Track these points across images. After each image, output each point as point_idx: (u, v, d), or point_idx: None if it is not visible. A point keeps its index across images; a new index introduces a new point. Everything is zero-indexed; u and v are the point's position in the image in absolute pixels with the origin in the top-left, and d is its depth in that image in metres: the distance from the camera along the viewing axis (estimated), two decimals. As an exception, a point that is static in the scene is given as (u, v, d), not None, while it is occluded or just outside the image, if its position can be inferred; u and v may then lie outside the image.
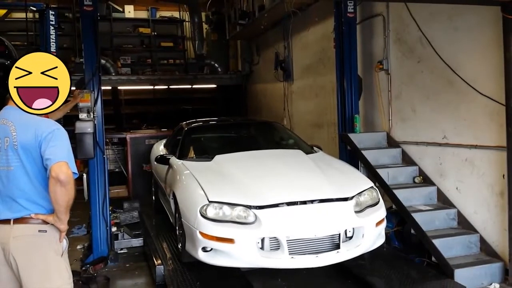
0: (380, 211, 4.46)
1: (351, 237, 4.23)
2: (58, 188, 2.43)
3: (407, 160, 6.16)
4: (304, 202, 4.21)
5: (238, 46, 13.48)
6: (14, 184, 2.52)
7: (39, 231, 2.53)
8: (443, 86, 5.56)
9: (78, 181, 5.20)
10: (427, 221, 5.18)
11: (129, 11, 13.94)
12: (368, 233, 4.24)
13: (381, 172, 5.71)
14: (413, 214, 5.13)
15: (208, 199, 4.18)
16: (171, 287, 4.25)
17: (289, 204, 4.17)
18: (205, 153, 5.59)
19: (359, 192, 4.44)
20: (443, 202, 5.55)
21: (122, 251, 5.96)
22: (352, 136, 6.32)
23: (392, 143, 6.42)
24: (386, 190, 5.47)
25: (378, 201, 4.55)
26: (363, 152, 6.00)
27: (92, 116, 5.36)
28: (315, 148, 5.88)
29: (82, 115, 5.32)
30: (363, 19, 6.97)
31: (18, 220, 2.50)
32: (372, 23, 6.86)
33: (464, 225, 5.24)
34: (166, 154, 5.94)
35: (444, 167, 5.60)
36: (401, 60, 6.31)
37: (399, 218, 5.56)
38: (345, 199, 4.30)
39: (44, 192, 2.54)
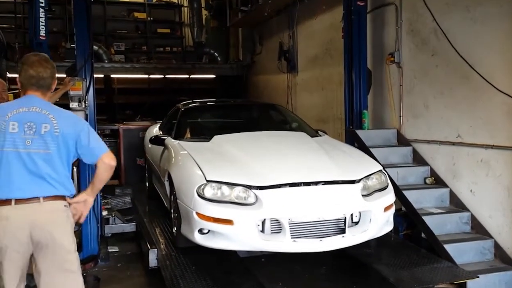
0: (389, 196, 4.46)
1: (357, 222, 4.23)
2: (109, 172, 3.07)
3: (418, 160, 6.14)
4: (308, 184, 4.20)
5: (240, 34, 13.43)
6: (50, 166, 2.90)
7: (64, 206, 2.98)
8: (458, 81, 5.53)
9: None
10: (438, 224, 5.17)
11: (124, -6, 13.93)
12: (376, 218, 4.23)
13: (390, 172, 5.65)
14: (424, 217, 5.12)
15: (206, 179, 4.16)
16: (165, 271, 4.24)
17: (292, 185, 4.16)
18: (203, 134, 5.56)
19: (367, 175, 4.43)
20: (456, 205, 5.54)
21: (113, 250, 5.95)
22: (360, 132, 6.30)
23: (402, 141, 6.40)
24: (395, 191, 5.43)
25: (387, 186, 4.55)
26: (371, 150, 5.97)
27: (83, 106, 5.34)
28: (320, 132, 5.87)
29: (73, 104, 5.30)
30: (374, 8, 6.93)
31: (47, 198, 2.89)
32: (383, 13, 6.82)
33: (478, 230, 5.23)
34: (161, 135, 5.92)
35: (458, 168, 5.58)
36: (414, 52, 6.27)
37: (408, 221, 5.54)
38: (352, 182, 4.29)
39: (69, 176, 3.03)
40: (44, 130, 2.91)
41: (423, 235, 5.10)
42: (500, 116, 4.99)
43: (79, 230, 5.92)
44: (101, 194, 5.92)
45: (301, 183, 4.19)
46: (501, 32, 4.99)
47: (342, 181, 4.29)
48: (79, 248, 5.64)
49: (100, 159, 3.01)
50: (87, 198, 3.10)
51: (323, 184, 4.24)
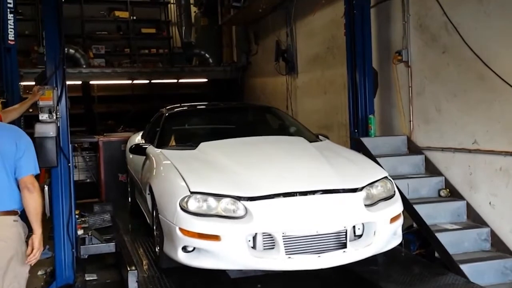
0: (396, 205, 4.46)
1: (360, 236, 4.23)
2: (29, 200, 3.39)
3: (431, 170, 6.16)
4: (305, 193, 4.19)
5: (233, 33, 13.53)
6: None
7: (14, 220, 3.39)
8: (472, 81, 5.56)
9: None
10: (454, 242, 5.16)
11: (104, -9, 14.03)
12: (381, 230, 4.22)
13: (400, 184, 5.67)
14: (438, 234, 5.12)
15: (189, 190, 4.16)
16: None
17: (286, 195, 4.15)
18: (189, 141, 5.57)
19: (370, 182, 4.43)
20: (474, 219, 5.54)
21: (91, 278, 5.93)
22: (365, 140, 6.33)
23: (413, 149, 6.43)
24: (405, 205, 5.45)
25: (394, 194, 4.55)
26: (378, 160, 5.98)
27: (54, 117, 5.35)
28: (320, 137, 5.90)
29: (43, 116, 5.29)
30: (378, 1, 7.00)
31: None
32: (389, 7, 6.88)
33: (499, 247, 5.22)
34: (142, 143, 5.95)
35: (475, 178, 5.59)
36: (423, 50, 6.32)
37: (422, 239, 5.55)
38: (354, 190, 4.30)
39: (17, 190, 3.41)
40: None
41: (437, 254, 5.10)
42: (520, 119, 5.02)
43: (52, 257, 5.94)
44: (77, 212, 5.92)
45: (296, 192, 4.19)
46: (518, 25, 5.02)
47: (342, 189, 4.29)
48: (53, 276, 5.66)
49: (21, 179, 3.39)
50: (33, 236, 3.42)
51: (321, 194, 4.24)
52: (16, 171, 3.40)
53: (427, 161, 6.23)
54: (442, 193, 5.88)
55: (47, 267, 6.28)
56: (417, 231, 5.48)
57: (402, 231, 4.71)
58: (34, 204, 3.38)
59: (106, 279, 5.98)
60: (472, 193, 5.63)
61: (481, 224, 5.44)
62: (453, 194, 5.83)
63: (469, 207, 5.64)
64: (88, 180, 9.48)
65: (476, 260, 5.00)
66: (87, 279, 5.85)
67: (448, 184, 5.93)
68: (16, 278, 3.40)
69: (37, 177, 3.58)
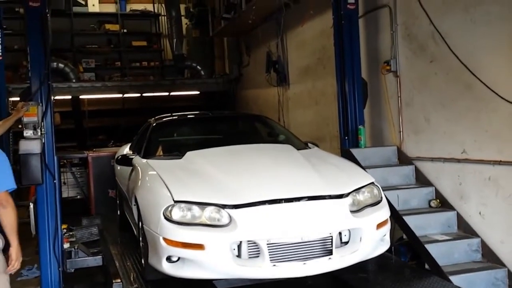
0: (382, 211, 4.50)
1: (347, 242, 4.27)
2: (3, 216, 3.63)
3: (421, 180, 6.21)
4: (290, 200, 4.22)
5: (225, 44, 13.63)
6: None
7: None
8: (460, 90, 5.62)
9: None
10: (444, 253, 5.20)
11: (93, 4, 14.20)
12: (367, 236, 4.26)
13: (390, 195, 5.71)
14: (428, 246, 5.15)
15: (173, 199, 4.20)
16: None
17: (271, 202, 4.18)
18: (176, 151, 5.61)
19: (356, 188, 4.47)
20: (464, 230, 5.58)
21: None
22: (355, 151, 6.37)
23: (403, 159, 6.48)
24: (395, 217, 5.49)
25: (381, 200, 4.60)
26: (368, 171, 6.01)
27: (39, 134, 5.39)
28: (309, 145, 5.94)
29: (27, 133, 5.33)
30: (366, 11, 7.09)
31: None
32: (377, 16, 6.98)
33: (490, 258, 5.25)
34: (129, 154, 6.00)
35: (464, 188, 5.64)
36: (411, 59, 6.40)
37: (412, 251, 5.57)
38: (340, 196, 4.34)
39: None
40: None
41: (427, 266, 5.13)
42: (507, 128, 5.06)
43: (39, 277, 5.94)
44: (64, 226, 5.92)
45: (281, 199, 4.22)
46: (505, 34, 5.09)
47: (328, 196, 4.33)
48: (39, 296, 5.67)
49: None
50: (10, 249, 3.66)
51: (306, 200, 4.27)
52: None
53: (417, 171, 6.27)
54: (432, 204, 5.92)
55: (34, 287, 6.31)
56: (407, 243, 5.50)
57: (393, 243, 4.74)
58: (8, 219, 3.62)
59: (94, 296, 6.01)
60: (462, 203, 5.67)
61: (472, 234, 5.47)
62: (444, 204, 5.87)
63: (459, 217, 5.68)
64: (78, 197, 9.48)
65: (467, 271, 5.04)
66: (74, 292, 5.87)
67: (438, 195, 5.97)
68: None
69: (19, 191, 3.80)
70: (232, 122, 7.11)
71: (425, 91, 6.18)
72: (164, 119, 6.62)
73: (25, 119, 5.35)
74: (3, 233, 3.69)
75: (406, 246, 5.62)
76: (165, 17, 13.54)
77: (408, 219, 5.45)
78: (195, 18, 13.36)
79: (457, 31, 5.62)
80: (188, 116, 7.15)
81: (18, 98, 6.13)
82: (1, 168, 3.67)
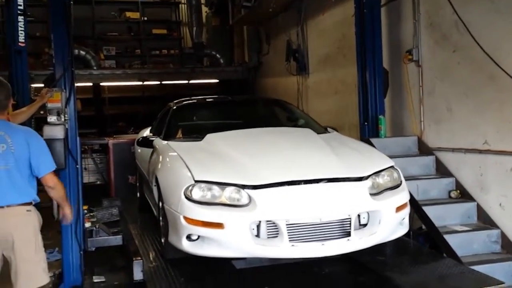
0: (402, 194, 4.52)
1: (366, 224, 4.31)
2: (53, 192, 4.06)
3: (441, 171, 6.20)
4: (309, 182, 4.27)
5: (245, 32, 13.61)
6: (10, 180, 3.79)
7: (27, 210, 3.90)
8: (483, 81, 5.59)
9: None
10: (463, 244, 5.20)
11: (114, -8, 14.20)
12: (386, 219, 4.29)
13: (410, 185, 5.68)
14: (447, 236, 5.15)
15: (194, 179, 4.27)
16: (150, 284, 4.35)
17: (290, 183, 4.23)
18: (196, 133, 5.66)
19: (376, 171, 4.50)
20: (484, 221, 5.57)
21: (99, 280, 6.04)
22: (375, 141, 6.35)
23: (424, 149, 6.47)
24: (414, 207, 5.49)
25: (400, 183, 4.62)
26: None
27: (63, 119, 5.47)
28: (329, 129, 5.97)
29: (51, 118, 5.40)
30: (388, 0, 7.03)
31: (9, 206, 3.81)
32: (399, 5, 6.93)
33: (509, 249, 5.25)
34: (149, 136, 6.10)
35: (485, 179, 5.62)
36: (433, 49, 6.36)
37: (431, 241, 5.57)
38: (359, 179, 4.37)
39: (29, 185, 3.91)
40: (1, 149, 3.79)
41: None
42: (531, 119, 5.04)
43: (61, 259, 6.05)
44: (85, 207, 6.03)
45: (301, 181, 4.26)
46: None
47: (347, 178, 4.37)
48: (61, 278, 5.78)
49: (43, 177, 3.94)
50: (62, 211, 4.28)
51: (325, 182, 4.30)
52: (34, 169, 3.89)
53: (438, 162, 6.26)
54: (452, 194, 5.91)
55: (56, 269, 6.42)
56: (426, 233, 5.50)
57: (412, 228, 4.74)
58: (56, 195, 4.12)
59: (114, 281, 6.08)
60: (483, 194, 5.65)
61: (491, 225, 5.46)
62: (464, 195, 5.85)
63: (479, 208, 5.66)
64: (98, 182, 9.61)
65: (486, 262, 5.02)
66: (95, 281, 5.95)
67: (458, 185, 5.96)
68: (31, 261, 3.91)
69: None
70: (251, 106, 7.14)
71: (447, 81, 6.15)
72: (184, 103, 6.69)
73: (49, 105, 5.42)
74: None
75: (424, 236, 5.62)
76: (185, 5, 13.56)
77: (428, 209, 5.45)
78: (214, 6, 13.35)
79: (481, 21, 5.58)
80: (208, 100, 7.24)
81: (40, 85, 6.23)
82: (44, 151, 4.00)
